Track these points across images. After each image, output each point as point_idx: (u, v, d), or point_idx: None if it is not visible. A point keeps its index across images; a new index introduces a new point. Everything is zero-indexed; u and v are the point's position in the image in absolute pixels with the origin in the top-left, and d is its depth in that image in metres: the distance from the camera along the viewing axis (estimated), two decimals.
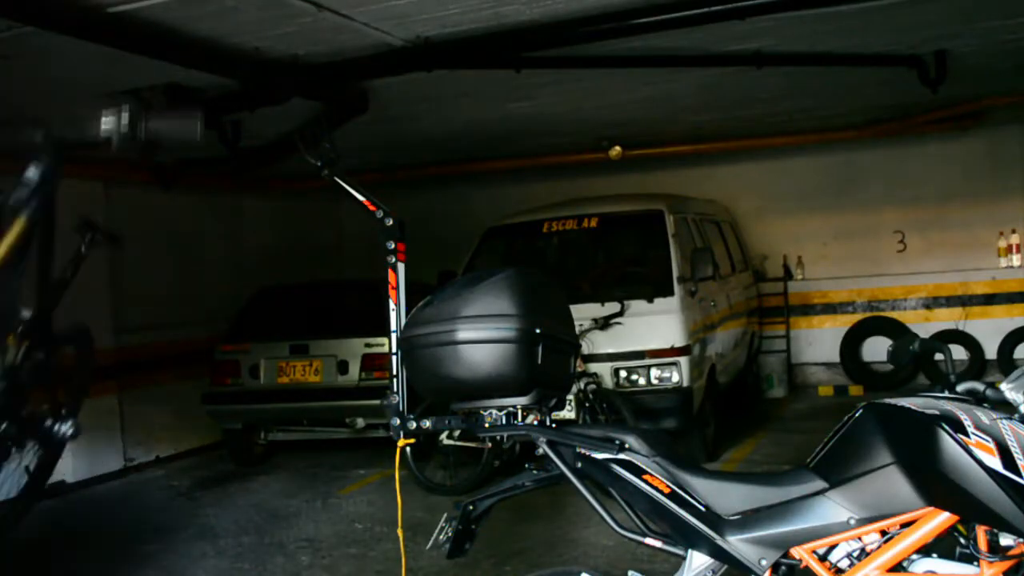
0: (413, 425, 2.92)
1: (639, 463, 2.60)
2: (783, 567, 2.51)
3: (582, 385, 6.70)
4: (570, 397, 6.54)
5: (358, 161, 8.77)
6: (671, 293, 7.16)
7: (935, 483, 2.31)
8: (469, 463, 6.87)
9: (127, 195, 8.51)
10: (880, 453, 2.39)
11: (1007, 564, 2.30)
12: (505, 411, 2.76)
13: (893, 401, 2.48)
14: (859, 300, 10.67)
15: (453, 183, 10.90)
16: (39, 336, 2.68)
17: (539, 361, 2.68)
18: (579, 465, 2.67)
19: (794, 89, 7.33)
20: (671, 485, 2.57)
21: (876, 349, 10.24)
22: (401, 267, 3.09)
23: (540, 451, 2.72)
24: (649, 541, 2.64)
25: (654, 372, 7.00)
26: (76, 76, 5.15)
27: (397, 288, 3.06)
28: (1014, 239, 10.07)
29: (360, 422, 7.97)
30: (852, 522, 2.41)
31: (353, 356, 7.93)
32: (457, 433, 6.68)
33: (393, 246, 3.12)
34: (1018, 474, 2.21)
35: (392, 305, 3.05)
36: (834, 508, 2.42)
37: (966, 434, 2.26)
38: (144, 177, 8.63)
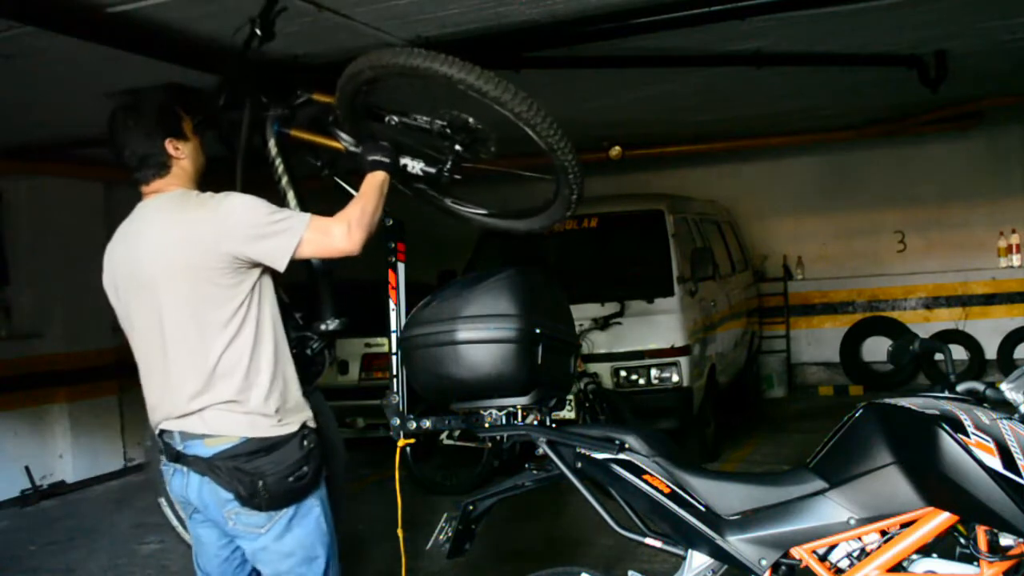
0: (413, 425, 2.92)
1: (639, 463, 2.61)
2: (783, 567, 2.52)
3: (582, 385, 6.70)
4: (570, 397, 6.54)
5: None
6: (671, 293, 7.16)
7: (935, 483, 2.31)
8: (469, 463, 6.87)
9: (127, 195, 8.49)
10: (880, 453, 2.39)
11: (1007, 564, 2.30)
12: (505, 411, 2.77)
13: (893, 401, 2.48)
14: (859, 300, 10.67)
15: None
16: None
17: (539, 361, 2.69)
18: (579, 465, 2.68)
19: (794, 89, 7.33)
20: (671, 485, 2.57)
21: (876, 349, 10.24)
22: (401, 267, 3.10)
23: (540, 451, 2.72)
24: (649, 541, 2.65)
25: (654, 372, 7.00)
26: (76, 76, 5.15)
27: (397, 288, 3.07)
28: (1014, 239, 10.07)
29: (360, 422, 7.96)
30: (852, 522, 2.41)
31: (353, 356, 7.92)
32: (457, 433, 6.68)
33: (393, 246, 3.13)
34: (1018, 474, 2.21)
35: (392, 305, 3.05)
36: (834, 508, 2.43)
37: (966, 434, 2.26)
38: None
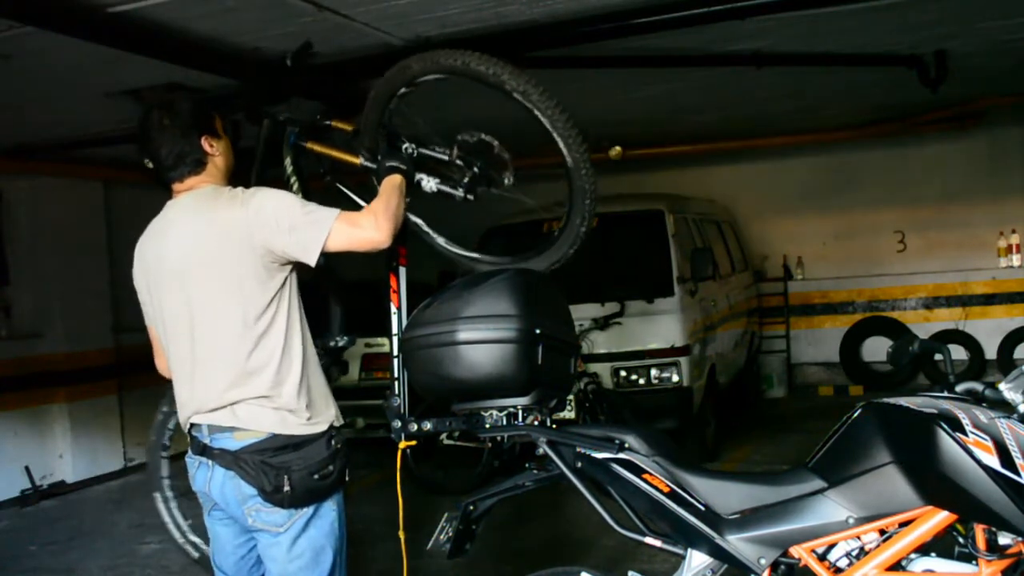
0: (414, 427, 2.93)
1: (639, 462, 2.61)
2: (782, 566, 2.52)
3: (582, 385, 6.70)
4: (570, 397, 6.54)
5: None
6: (671, 293, 7.16)
7: (933, 482, 2.31)
8: (469, 463, 6.87)
9: (127, 195, 8.52)
10: (879, 452, 2.39)
11: (1005, 563, 2.30)
12: (506, 412, 2.77)
13: (892, 400, 2.48)
14: (859, 300, 10.67)
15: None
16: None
17: (539, 361, 2.69)
18: (579, 465, 2.68)
19: (794, 89, 7.33)
20: (671, 484, 2.57)
21: (876, 349, 10.24)
22: (403, 271, 3.11)
23: (540, 451, 2.73)
24: (649, 540, 2.65)
25: (654, 372, 7.00)
26: (76, 76, 5.16)
27: (399, 292, 3.08)
28: (1014, 239, 10.07)
29: (360, 422, 7.96)
30: (851, 521, 2.41)
31: (353, 356, 7.91)
32: (456, 434, 6.68)
33: (395, 249, 3.14)
34: (1016, 473, 2.21)
35: (394, 308, 3.06)
36: (833, 507, 2.43)
37: (964, 433, 2.26)
38: (144, 177, 8.61)
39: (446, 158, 2.94)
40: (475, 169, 2.90)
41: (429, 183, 2.92)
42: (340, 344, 3.11)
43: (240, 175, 2.96)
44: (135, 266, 2.85)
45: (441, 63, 2.79)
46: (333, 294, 3.18)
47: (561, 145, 2.72)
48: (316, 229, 2.57)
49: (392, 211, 2.67)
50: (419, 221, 3.18)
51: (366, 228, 2.61)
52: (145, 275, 2.81)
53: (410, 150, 2.96)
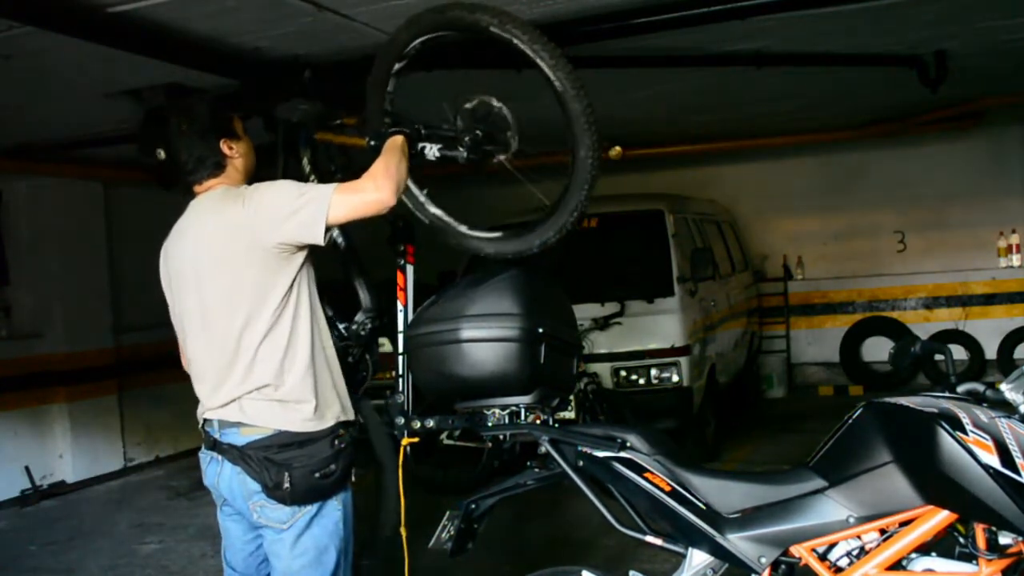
0: (417, 424, 2.94)
1: (640, 461, 2.61)
2: (783, 565, 2.52)
3: (582, 385, 6.70)
4: (570, 397, 6.54)
5: (360, 161, 8.75)
6: (671, 293, 7.16)
7: (934, 481, 2.31)
8: (469, 463, 6.87)
9: (127, 195, 8.52)
10: (879, 452, 2.40)
11: (1005, 562, 2.31)
12: (508, 410, 2.78)
13: (892, 400, 2.48)
14: (859, 300, 10.67)
15: (453, 183, 10.88)
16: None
17: (542, 360, 2.70)
18: (581, 463, 2.69)
19: (794, 89, 7.33)
20: (672, 483, 2.58)
21: (876, 349, 10.25)
22: (410, 269, 3.13)
23: (542, 450, 2.73)
24: (650, 539, 2.65)
25: (654, 372, 7.00)
26: (76, 76, 5.15)
27: (405, 290, 3.10)
28: (1014, 239, 10.07)
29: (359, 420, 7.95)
30: (851, 520, 2.42)
31: None
32: (457, 433, 6.68)
33: (403, 248, 3.17)
34: (1016, 472, 2.21)
35: (400, 307, 3.08)
36: (833, 507, 2.43)
37: (964, 432, 2.26)
38: (144, 177, 8.63)
39: (452, 133, 2.96)
40: (477, 132, 2.92)
41: (431, 150, 2.94)
42: (355, 327, 3.12)
43: (259, 173, 2.98)
44: (160, 267, 2.89)
45: (423, 23, 2.82)
46: (354, 273, 3.19)
47: (547, 70, 2.71)
48: (315, 207, 2.57)
49: (392, 170, 2.66)
50: (439, 212, 3.17)
51: (367, 190, 2.61)
52: (167, 275, 2.85)
53: (417, 126, 2.97)
